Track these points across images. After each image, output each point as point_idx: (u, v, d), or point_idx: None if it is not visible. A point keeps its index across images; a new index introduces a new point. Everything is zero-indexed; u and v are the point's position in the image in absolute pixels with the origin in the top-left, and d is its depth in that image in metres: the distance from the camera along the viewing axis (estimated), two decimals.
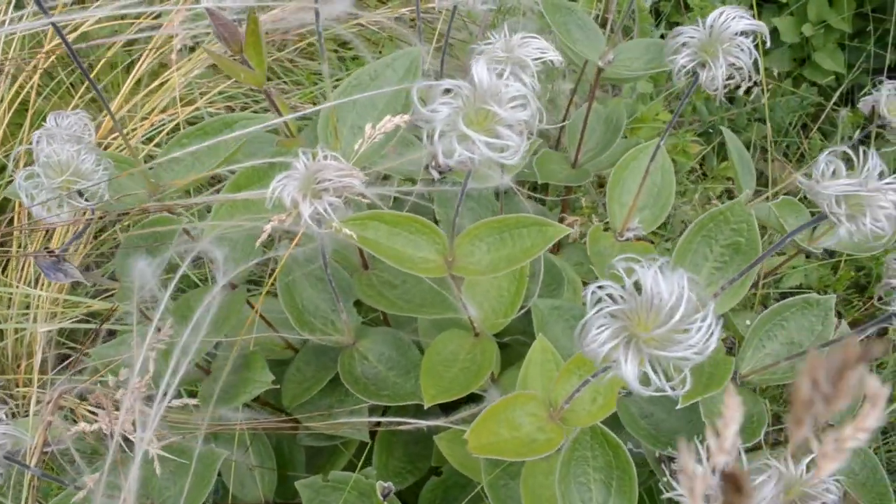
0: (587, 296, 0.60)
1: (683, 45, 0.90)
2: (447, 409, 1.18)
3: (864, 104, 1.47)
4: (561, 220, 1.55)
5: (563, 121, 1.56)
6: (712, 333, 0.58)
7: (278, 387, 1.22)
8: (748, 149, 2.36)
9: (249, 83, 0.87)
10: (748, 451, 1.23)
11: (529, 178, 1.47)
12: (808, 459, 0.93)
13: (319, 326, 1.18)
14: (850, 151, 0.72)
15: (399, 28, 1.91)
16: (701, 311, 0.59)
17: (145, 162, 1.16)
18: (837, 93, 2.51)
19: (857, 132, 1.52)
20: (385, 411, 1.41)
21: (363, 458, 1.44)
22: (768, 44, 0.89)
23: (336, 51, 1.99)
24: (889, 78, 1.37)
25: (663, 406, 1.21)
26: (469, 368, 1.07)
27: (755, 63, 0.87)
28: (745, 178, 1.53)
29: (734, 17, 0.86)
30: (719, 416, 1.07)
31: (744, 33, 0.89)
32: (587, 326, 0.59)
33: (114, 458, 0.81)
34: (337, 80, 1.83)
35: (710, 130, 2.50)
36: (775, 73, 2.55)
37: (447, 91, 0.66)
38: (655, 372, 0.59)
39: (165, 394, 0.83)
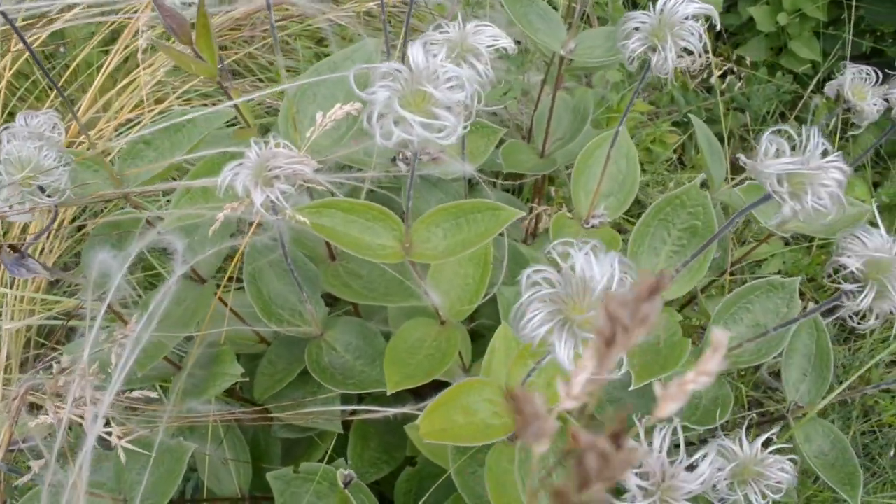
0: (522, 280, 0.60)
1: (635, 30, 0.91)
2: (422, 399, 1.19)
3: (829, 88, 1.48)
4: (530, 210, 1.56)
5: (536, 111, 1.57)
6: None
7: (248, 380, 1.22)
8: (726, 138, 2.37)
9: (202, 75, 0.87)
10: (714, 432, 1.24)
11: (503, 168, 1.48)
12: (763, 437, 0.95)
13: (287, 318, 1.19)
14: (790, 130, 0.73)
15: (374, 22, 1.92)
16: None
17: (113, 160, 1.16)
18: (814, 81, 2.53)
19: (830, 118, 1.54)
20: (359, 401, 1.41)
21: (340, 449, 1.45)
22: (718, 26, 0.90)
23: (310, 47, 1.99)
24: (867, 65, 1.38)
25: (632, 391, 1.22)
26: (433, 355, 1.07)
27: (720, 47, 0.87)
28: (716, 167, 1.54)
29: (682, 2, 0.87)
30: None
31: (694, 17, 0.90)
32: (521, 311, 0.60)
33: (60, 448, 0.82)
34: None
35: (687, 120, 2.51)
36: (749, 62, 2.56)
37: (386, 75, 0.67)
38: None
39: (120, 383, 0.83)
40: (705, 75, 2.38)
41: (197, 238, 1.24)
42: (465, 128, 0.66)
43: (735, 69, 2.63)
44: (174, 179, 1.29)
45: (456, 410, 0.85)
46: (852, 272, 0.79)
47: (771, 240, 2.23)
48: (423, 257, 0.89)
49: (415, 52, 0.66)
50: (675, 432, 1.30)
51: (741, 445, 0.93)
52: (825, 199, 0.71)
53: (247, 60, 2.05)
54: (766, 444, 0.98)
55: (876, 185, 2.48)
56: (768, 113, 2.54)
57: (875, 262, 0.79)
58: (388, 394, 1.01)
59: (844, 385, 1.13)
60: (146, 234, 1.00)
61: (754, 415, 1.80)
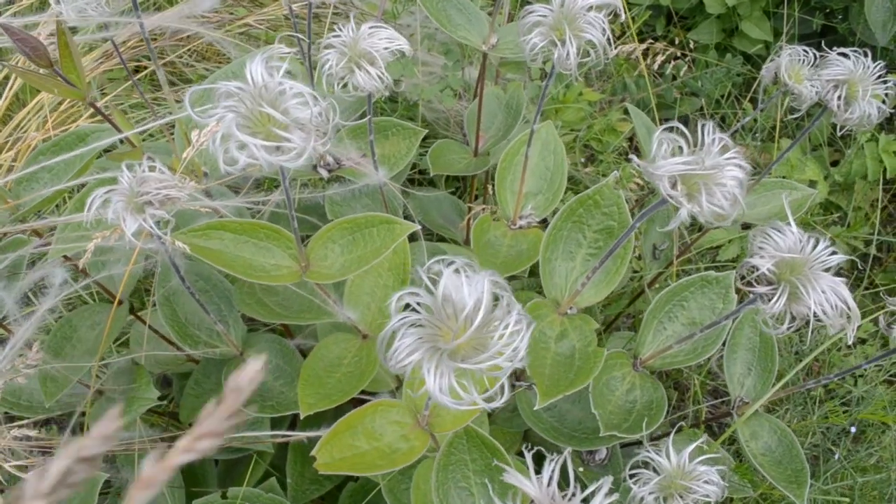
0: (392, 304, 0.56)
1: (535, 24, 0.86)
2: (362, 402, 1.14)
3: (766, 71, 1.45)
4: (469, 210, 1.52)
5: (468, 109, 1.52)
6: (522, 338, 0.54)
7: (163, 402, 1.17)
8: (684, 123, 2.33)
9: (70, 97, 0.82)
10: (652, 440, 1.20)
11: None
12: (690, 448, 0.90)
13: (205, 339, 1.14)
14: (681, 127, 0.69)
15: (301, 24, 1.85)
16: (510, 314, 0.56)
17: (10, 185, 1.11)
18: (767, 61, 2.49)
19: (770, 102, 1.50)
20: (294, 421, 1.37)
21: (283, 465, 1.40)
22: (623, 16, 0.86)
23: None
24: (819, 43, 1.34)
25: (566, 397, 1.18)
26: (353, 373, 1.03)
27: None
28: None
29: None
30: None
31: (597, 7, 0.85)
32: (388, 339, 0.55)
33: None
34: None
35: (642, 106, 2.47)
36: (693, 45, 2.52)
37: (229, 95, 0.62)
38: (465, 384, 0.55)
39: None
40: (659, 61, 2.33)
41: (113, 258, 1.19)
42: (323, 145, 0.61)
43: (688, 54, 2.59)
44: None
45: (359, 435, 0.81)
46: (764, 273, 0.75)
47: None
48: (320, 276, 0.84)
49: (253, 68, 0.61)
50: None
51: (668, 456, 0.89)
52: (721, 201, 0.67)
53: (183, 68, 1.99)
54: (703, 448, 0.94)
55: (835, 162, 2.46)
56: (722, 96, 2.51)
57: (787, 262, 0.75)
58: (302, 417, 0.96)
59: (782, 382, 1.09)
60: (36, 270, 0.95)
61: (696, 412, 1.77)
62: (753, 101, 2.55)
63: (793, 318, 0.77)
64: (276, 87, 0.60)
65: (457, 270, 0.54)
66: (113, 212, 0.74)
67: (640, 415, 1.08)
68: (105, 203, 0.76)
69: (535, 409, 1.16)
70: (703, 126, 0.68)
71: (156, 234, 0.73)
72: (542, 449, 1.29)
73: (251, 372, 0.27)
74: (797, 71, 1.35)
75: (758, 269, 0.75)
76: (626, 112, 2.44)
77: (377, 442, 0.81)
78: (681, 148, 0.70)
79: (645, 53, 2.44)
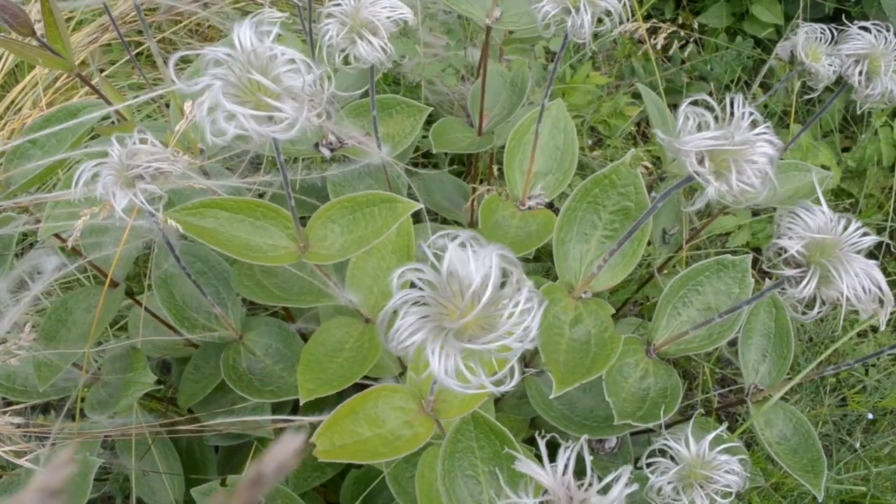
0: (393, 280, 0.52)
1: None
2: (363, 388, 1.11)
3: (782, 49, 1.40)
4: (473, 191, 1.48)
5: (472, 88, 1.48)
6: (533, 317, 0.50)
7: (161, 387, 1.14)
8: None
9: (55, 69, 0.78)
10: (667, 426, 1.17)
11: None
12: (710, 437, 0.87)
13: (202, 322, 1.10)
14: (710, 100, 0.65)
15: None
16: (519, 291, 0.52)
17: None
18: (778, 45, 2.44)
19: (784, 81, 1.45)
20: (295, 406, 1.33)
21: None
22: None
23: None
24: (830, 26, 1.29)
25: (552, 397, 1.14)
26: (355, 358, 0.99)
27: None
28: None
29: None
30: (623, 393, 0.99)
31: None
32: (390, 317, 0.51)
33: None
34: None
35: None
36: (704, 28, 2.47)
37: (217, 62, 0.57)
38: (472, 366, 0.51)
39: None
40: (666, 44, 2.29)
41: (109, 238, 1.15)
42: (320, 116, 0.57)
43: (698, 38, 2.54)
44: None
45: (360, 421, 0.77)
46: (793, 255, 0.71)
47: (738, 210, 2.16)
48: (319, 257, 0.80)
49: (242, 32, 0.56)
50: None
51: (687, 445, 0.85)
52: (752, 179, 0.63)
53: (180, 45, 1.95)
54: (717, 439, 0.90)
55: (846, 149, 2.41)
56: (732, 81, 2.46)
57: (817, 243, 0.71)
58: (302, 403, 0.92)
59: (804, 373, 1.05)
60: (29, 259, 0.91)
61: (704, 401, 1.73)
62: (763, 85, 2.50)
63: (822, 303, 0.73)
64: (267, 52, 0.56)
65: (462, 244, 0.50)
66: (102, 186, 0.70)
67: (654, 402, 1.04)
68: (94, 178, 0.72)
69: (550, 397, 1.13)
70: (731, 98, 0.64)
71: (146, 210, 0.69)
72: (556, 436, 1.26)
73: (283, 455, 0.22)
74: (814, 49, 1.31)
75: (786, 251, 0.71)
76: (634, 96, 2.40)
77: (379, 428, 0.77)
78: (707, 123, 0.65)
79: (652, 34, 2.39)
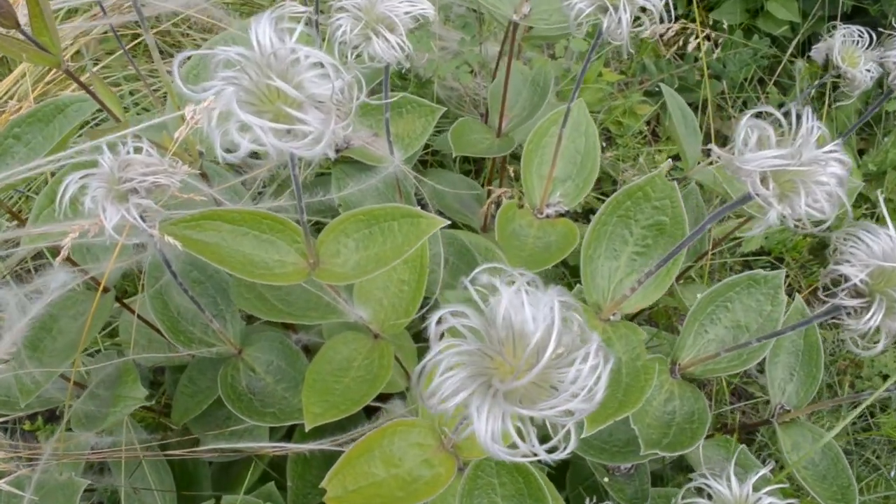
0: (431, 328, 0.45)
1: None
2: (370, 408, 1.04)
3: (816, 52, 1.33)
4: (488, 194, 1.41)
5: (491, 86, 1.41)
6: (599, 376, 0.43)
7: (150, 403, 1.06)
8: (701, 107, 2.21)
9: (42, 64, 0.70)
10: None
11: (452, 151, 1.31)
12: (755, 477, 0.79)
13: (199, 335, 1.03)
14: (775, 112, 0.58)
15: None
16: (583, 342, 0.45)
17: None
18: (793, 43, 2.37)
19: (814, 84, 1.38)
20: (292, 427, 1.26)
21: (282, 466, 1.30)
22: None
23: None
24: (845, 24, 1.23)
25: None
26: (364, 377, 0.92)
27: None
28: (690, 142, 1.39)
29: None
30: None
31: None
32: (429, 372, 0.44)
33: None
34: None
35: (659, 89, 2.35)
36: (726, 26, 2.39)
37: (228, 64, 0.50)
38: (522, 431, 0.44)
39: None
40: (680, 42, 2.21)
41: (101, 241, 1.08)
42: (344, 127, 0.50)
43: (710, 34, 2.47)
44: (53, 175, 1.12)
45: (375, 461, 0.70)
46: (855, 285, 0.64)
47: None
48: (332, 276, 0.73)
49: (260, 30, 0.49)
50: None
51: (729, 485, 0.78)
52: (822, 202, 0.56)
53: (180, 38, 1.87)
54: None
55: (861, 152, 2.34)
56: (746, 79, 2.39)
57: (883, 271, 0.64)
58: (308, 429, 0.85)
59: (836, 402, 0.98)
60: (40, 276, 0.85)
61: (718, 415, 1.66)
62: (778, 84, 2.43)
63: (885, 336, 0.66)
64: (289, 54, 0.49)
65: (518, 289, 0.43)
66: (91, 201, 0.63)
67: (680, 428, 0.98)
68: (82, 189, 0.65)
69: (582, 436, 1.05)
70: (797, 111, 0.57)
71: (141, 228, 0.62)
72: (575, 463, 1.18)
73: None
74: (851, 53, 1.23)
75: (848, 280, 0.64)
76: (646, 94, 2.32)
77: (396, 468, 0.70)
78: (768, 138, 0.58)
79: (663, 35, 2.31)
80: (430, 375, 0.43)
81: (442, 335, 0.44)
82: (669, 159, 0.97)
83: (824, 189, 0.56)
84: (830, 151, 0.57)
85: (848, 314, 0.66)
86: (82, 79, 0.78)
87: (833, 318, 0.69)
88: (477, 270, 0.47)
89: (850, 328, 0.65)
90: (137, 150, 0.65)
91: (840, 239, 0.68)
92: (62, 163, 0.75)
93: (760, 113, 0.59)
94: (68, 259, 0.91)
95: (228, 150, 0.46)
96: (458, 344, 0.44)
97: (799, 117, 0.57)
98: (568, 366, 0.42)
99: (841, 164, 0.57)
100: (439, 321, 0.44)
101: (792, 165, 0.55)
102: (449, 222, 0.73)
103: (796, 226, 0.58)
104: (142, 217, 0.65)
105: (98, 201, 0.63)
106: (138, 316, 1.16)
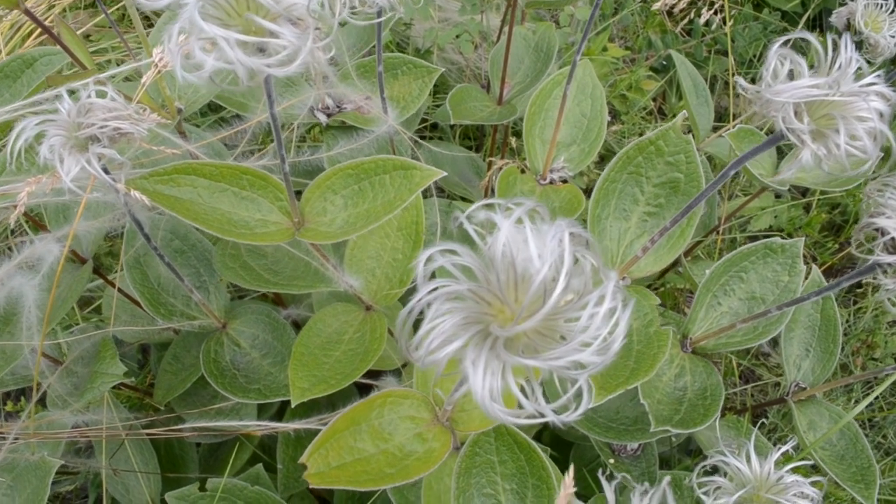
0: (419, 268, 0.38)
1: None
2: (363, 386, 0.98)
3: (837, 17, 1.26)
4: (489, 166, 1.34)
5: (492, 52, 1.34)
6: (618, 322, 0.37)
7: (131, 381, 1.01)
8: (707, 85, 2.14)
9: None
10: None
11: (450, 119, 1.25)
12: (777, 453, 0.73)
13: (181, 308, 0.97)
14: (812, 39, 0.51)
15: None
16: (598, 283, 0.38)
17: None
18: (804, 18, 2.30)
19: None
20: (285, 402, 1.20)
21: (272, 447, 1.24)
22: None
23: None
24: None
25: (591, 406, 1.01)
26: (355, 351, 0.86)
27: None
28: (702, 111, 1.32)
29: None
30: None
31: None
32: (413, 317, 0.38)
33: None
34: None
35: (665, 65, 2.28)
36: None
37: None
38: (525, 387, 0.38)
39: None
40: (691, 14, 2.14)
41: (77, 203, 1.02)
42: (328, 50, 0.44)
43: (718, 9, 2.40)
44: None
45: (363, 435, 0.63)
46: (893, 238, 0.58)
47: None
48: (317, 235, 0.67)
49: None
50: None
51: (749, 462, 0.72)
52: (863, 140, 0.50)
53: None
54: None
55: None
56: (755, 56, 2.32)
57: None
58: (293, 405, 0.79)
59: (855, 378, 0.92)
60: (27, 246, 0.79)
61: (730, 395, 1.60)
62: None
63: None
64: None
65: (519, 220, 0.37)
66: (48, 149, 0.57)
67: (692, 405, 0.92)
68: (39, 138, 0.58)
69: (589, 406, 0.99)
70: (834, 39, 0.51)
71: (103, 179, 0.56)
72: (579, 445, 1.12)
73: None
74: (875, 18, 1.17)
75: (886, 233, 0.58)
76: (651, 69, 2.26)
77: (386, 443, 0.63)
78: (801, 72, 0.52)
79: (673, 7, 2.24)
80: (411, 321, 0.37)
81: (433, 276, 0.38)
82: (684, 111, 0.90)
83: (865, 125, 0.50)
84: (871, 83, 0.50)
85: (884, 272, 0.60)
86: (46, 22, 0.71)
87: (864, 282, 0.63)
88: (474, 207, 0.41)
89: (888, 288, 0.59)
90: (101, 94, 0.59)
91: (875, 190, 0.61)
92: (20, 112, 0.68)
93: (788, 41, 0.53)
94: (33, 221, 0.85)
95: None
96: (449, 284, 0.37)
97: (836, 46, 0.51)
98: (580, 310, 0.36)
99: (883, 97, 0.51)
100: (428, 261, 0.38)
101: (830, 97, 0.49)
102: (445, 173, 0.67)
103: (833, 169, 0.52)
104: (105, 169, 0.59)
105: (56, 150, 0.56)
106: (119, 290, 1.11)
